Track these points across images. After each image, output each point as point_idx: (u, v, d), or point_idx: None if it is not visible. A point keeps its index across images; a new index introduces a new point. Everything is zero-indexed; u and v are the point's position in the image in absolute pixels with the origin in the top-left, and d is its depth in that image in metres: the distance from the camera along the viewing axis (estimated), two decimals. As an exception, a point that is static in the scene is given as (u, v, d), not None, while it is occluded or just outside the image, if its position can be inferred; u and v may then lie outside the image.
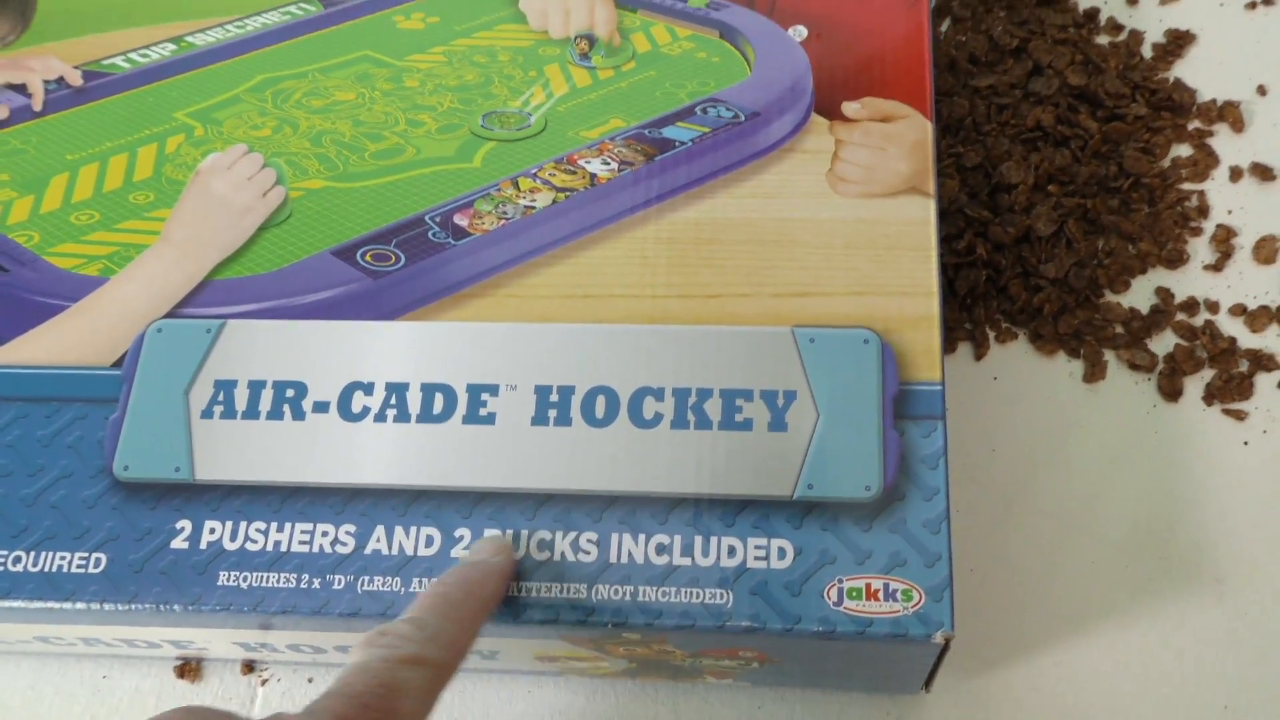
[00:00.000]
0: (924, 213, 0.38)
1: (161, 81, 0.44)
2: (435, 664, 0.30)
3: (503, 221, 0.39)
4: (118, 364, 0.38)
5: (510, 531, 0.35)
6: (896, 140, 0.39)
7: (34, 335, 0.39)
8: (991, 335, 0.45)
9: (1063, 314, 0.45)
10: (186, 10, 0.45)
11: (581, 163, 0.40)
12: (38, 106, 0.44)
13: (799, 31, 0.42)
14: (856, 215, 0.38)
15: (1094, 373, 0.44)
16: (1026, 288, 0.45)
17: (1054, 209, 0.46)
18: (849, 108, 0.40)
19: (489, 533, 0.35)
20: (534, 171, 0.41)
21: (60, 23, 0.46)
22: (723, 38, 0.43)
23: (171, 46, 0.45)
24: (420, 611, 0.31)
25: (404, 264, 0.39)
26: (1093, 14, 0.51)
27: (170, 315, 0.39)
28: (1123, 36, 0.50)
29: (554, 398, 0.36)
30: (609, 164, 0.40)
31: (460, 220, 0.40)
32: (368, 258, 0.39)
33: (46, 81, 0.44)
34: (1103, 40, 0.51)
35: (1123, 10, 0.51)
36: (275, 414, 0.37)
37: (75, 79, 0.44)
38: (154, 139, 0.43)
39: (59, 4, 0.46)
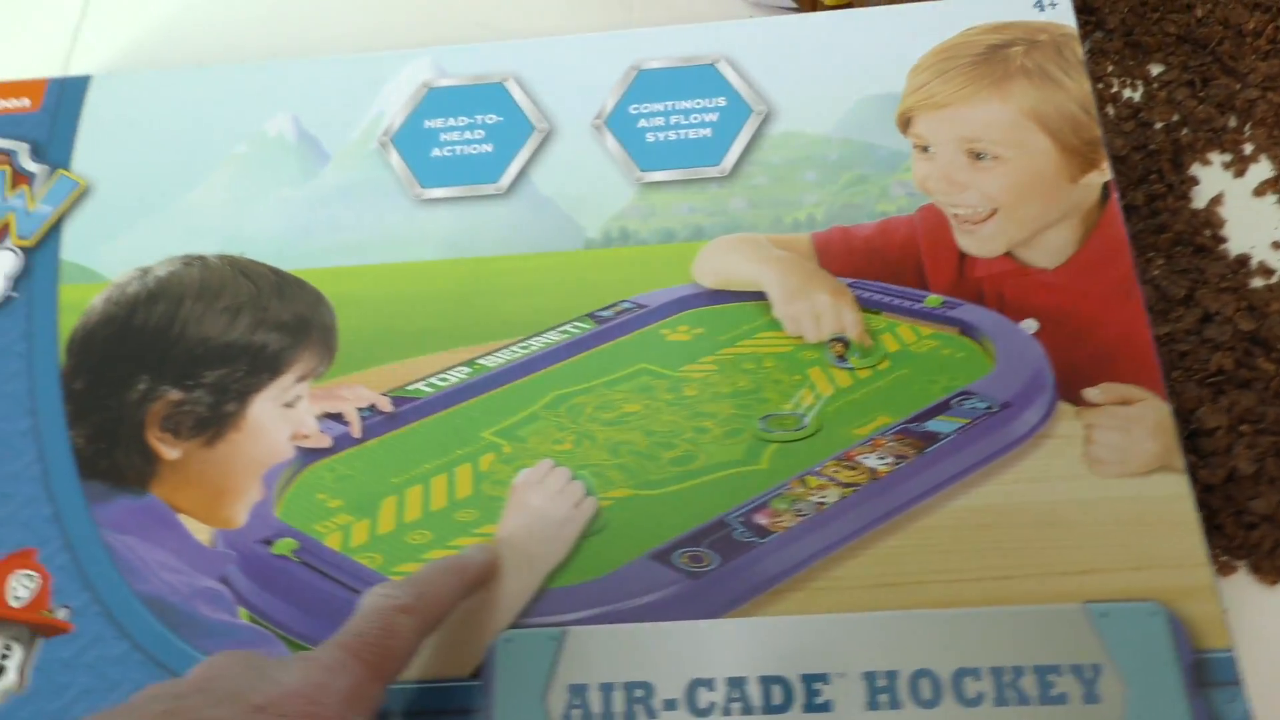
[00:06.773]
0: (1180, 489, 0.43)
1: (464, 404, 0.49)
2: (421, 615, 0.39)
3: (800, 518, 0.44)
4: (475, 674, 0.43)
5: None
6: (1140, 422, 0.45)
7: (395, 653, 0.44)
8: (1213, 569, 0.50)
9: (1278, 548, 0.49)
10: (471, 335, 0.50)
11: (860, 459, 0.46)
12: (356, 434, 0.49)
13: (1030, 324, 0.48)
14: (1119, 495, 0.44)
15: (1314, 600, 0.48)
16: (1241, 525, 0.50)
17: (1250, 448, 0.51)
18: (1090, 393, 0.46)
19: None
20: (818, 469, 0.46)
21: (361, 353, 0.50)
22: (962, 334, 0.48)
23: (466, 370, 0.50)
24: (415, 577, 0.40)
25: (719, 564, 0.44)
26: (1244, 259, 0.57)
27: (515, 625, 0.44)
28: (1275, 279, 0.57)
29: (881, 682, 0.41)
30: (884, 458, 0.46)
31: (761, 519, 0.45)
32: (684, 560, 0.44)
33: (360, 409, 0.49)
34: (1258, 283, 0.57)
35: (1270, 255, 0.57)
36: (629, 715, 0.41)
37: (385, 405, 0.49)
38: (467, 458, 0.48)
39: (356, 335, 0.50)
